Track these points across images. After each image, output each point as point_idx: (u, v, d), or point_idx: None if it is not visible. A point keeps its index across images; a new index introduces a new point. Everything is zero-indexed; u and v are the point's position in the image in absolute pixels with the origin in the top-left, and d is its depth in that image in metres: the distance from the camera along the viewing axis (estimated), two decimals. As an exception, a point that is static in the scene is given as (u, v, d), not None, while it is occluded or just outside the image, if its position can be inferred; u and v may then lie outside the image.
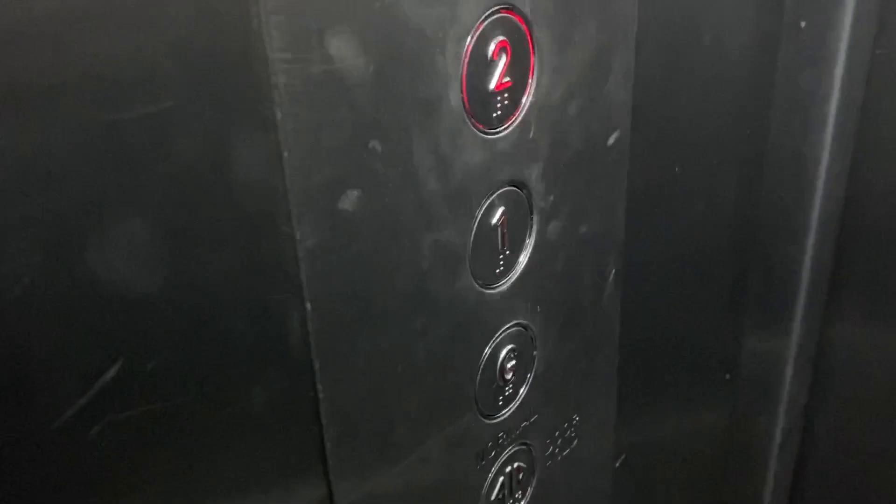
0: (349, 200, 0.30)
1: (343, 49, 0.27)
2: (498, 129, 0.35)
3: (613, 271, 0.46)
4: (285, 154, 0.27)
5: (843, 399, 0.70)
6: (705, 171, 0.53)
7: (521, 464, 0.43)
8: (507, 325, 0.39)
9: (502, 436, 0.41)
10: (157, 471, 0.27)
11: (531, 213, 0.38)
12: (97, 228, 0.24)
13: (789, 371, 0.68)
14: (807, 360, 0.69)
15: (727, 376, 0.67)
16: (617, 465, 0.54)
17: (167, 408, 0.27)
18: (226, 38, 0.25)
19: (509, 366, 0.40)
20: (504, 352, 0.40)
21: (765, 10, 0.55)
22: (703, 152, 0.52)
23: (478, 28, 0.32)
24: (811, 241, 0.62)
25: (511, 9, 0.33)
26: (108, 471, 0.26)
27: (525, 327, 0.41)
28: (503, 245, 0.38)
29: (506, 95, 0.35)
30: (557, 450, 0.46)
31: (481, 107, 0.34)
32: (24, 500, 0.24)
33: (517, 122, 0.35)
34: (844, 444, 0.71)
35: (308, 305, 0.30)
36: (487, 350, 0.39)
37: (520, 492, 0.44)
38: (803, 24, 0.56)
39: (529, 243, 0.39)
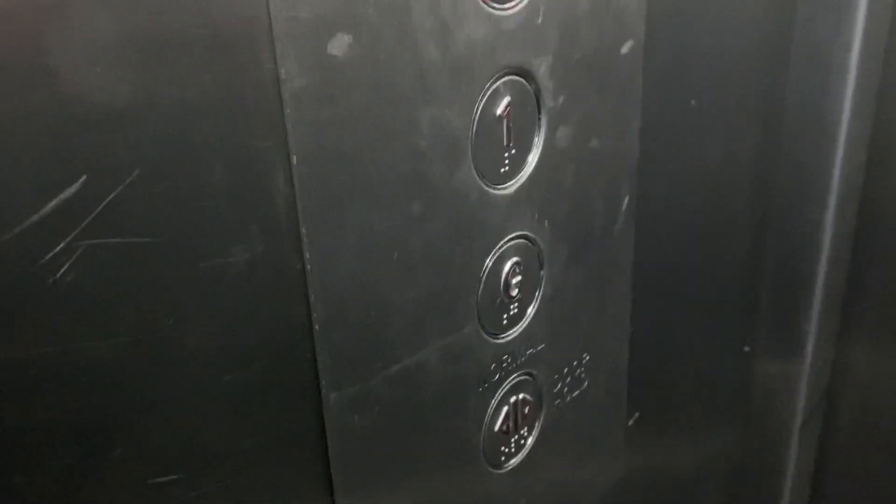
0: (339, 45, 0.27)
1: None
2: (504, 4, 0.32)
3: (627, 198, 0.43)
4: (270, -22, 0.25)
5: (866, 382, 0.67)
6: (721, 111, 0.51)
7: (527, 396, 0.40)
8: (512, 235, 0.37)
9: (507, 359, 0.38)
10: (118, 314, 0.25)
11: (539, 112, 0.36)
12: (65, 35, 0.22)
13: (810, 345, 0.64)
14: (828, 338, 0.66)
15: (746, 349, 0.64)
16: (630, 423, 0.51)
17: (135, 245, 0.24)
18: None
19: (514, 281, 0.38)
20: (508, 265, 0.37)
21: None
22: (718, 90, 0.50)
23: None
24: (833, 201, 0.59)
25: None
26: (64, 300, 0.23)
27: (531, 241, 0.38)
28: (508, 141, 0.35)
29: (511, -28, 0.32)
30: (566, 389, 0.43)
31: (485, -24, 0.31)
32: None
33: (525, 1, 0.33)
34: (867, 428, 0.67)
35: (294, 158, 0.27)
36: (490, 259, 0.36)
37: (526, 428, 0.41)
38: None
39: (537, 145, 0.36)
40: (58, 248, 0.23)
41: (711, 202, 0.55)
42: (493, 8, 0.32)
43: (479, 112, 0.33)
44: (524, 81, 0.35)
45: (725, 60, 0.50)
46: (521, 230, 0.37)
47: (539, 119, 0.36)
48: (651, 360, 0.52)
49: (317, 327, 0.29)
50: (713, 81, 0.49)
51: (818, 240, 0.61)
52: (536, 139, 0.36)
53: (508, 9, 0.33)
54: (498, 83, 0.34)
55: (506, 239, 0.37)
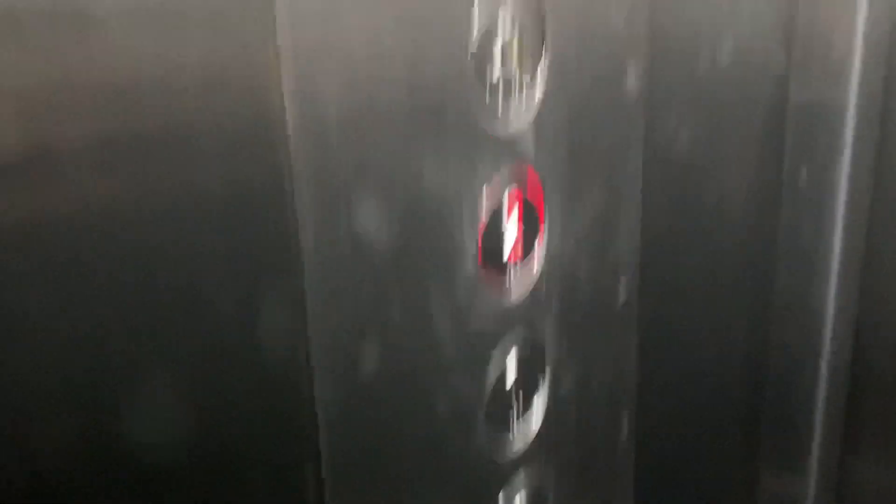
0: (368, 356, 0.30)
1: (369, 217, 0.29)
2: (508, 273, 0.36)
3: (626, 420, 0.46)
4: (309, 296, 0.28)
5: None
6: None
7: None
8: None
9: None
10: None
11: (543, 370, 0.39)
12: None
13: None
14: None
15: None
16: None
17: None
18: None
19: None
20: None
21: (765, 162, 0.56)
22: (711, 300, 0.53)
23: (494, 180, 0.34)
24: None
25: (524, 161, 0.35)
26: None
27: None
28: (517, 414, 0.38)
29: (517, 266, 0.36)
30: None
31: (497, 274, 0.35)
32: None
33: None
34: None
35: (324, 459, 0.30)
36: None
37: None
38: (804, 171, 0.58)
39: (541, 396, 0.39)
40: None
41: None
42: (497, 275, 0.35)
43: (489, 383, 0.36)
44: (530, 345, 0.38)
45: (716, 264, 0.53)
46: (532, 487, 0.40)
47: (544, 374, 0.39)
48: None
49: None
50: (707, 293, 0.52)
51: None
52: (541, 386, 0.39)
53: (512, 273, 0.36)
54: (508, 348, 0.37)
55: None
